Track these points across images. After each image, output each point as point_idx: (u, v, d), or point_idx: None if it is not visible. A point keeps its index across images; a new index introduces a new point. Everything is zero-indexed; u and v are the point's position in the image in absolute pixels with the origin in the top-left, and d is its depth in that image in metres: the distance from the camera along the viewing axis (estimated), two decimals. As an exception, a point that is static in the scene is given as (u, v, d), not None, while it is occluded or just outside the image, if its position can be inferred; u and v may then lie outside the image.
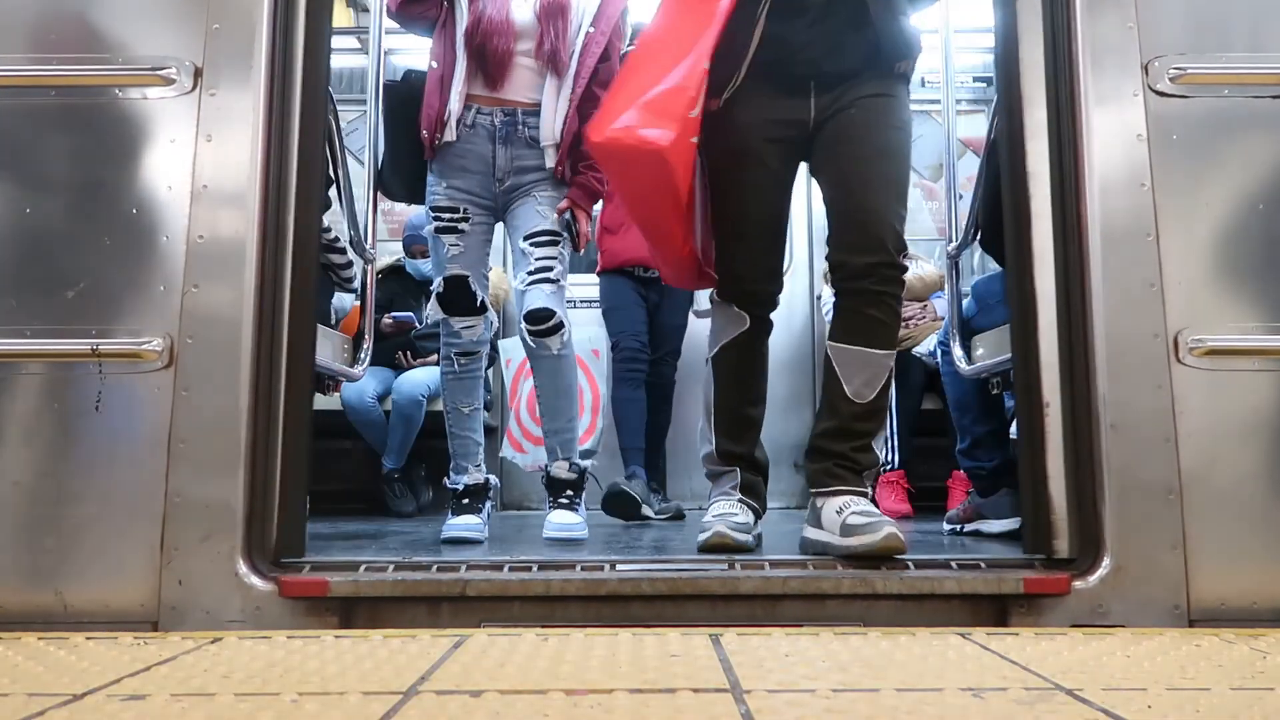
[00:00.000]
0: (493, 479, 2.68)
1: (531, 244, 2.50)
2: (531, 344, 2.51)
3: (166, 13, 1.88)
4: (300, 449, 1.86)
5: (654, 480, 3.55)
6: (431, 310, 2.56)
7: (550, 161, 2.52)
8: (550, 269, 2.50)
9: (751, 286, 2.14)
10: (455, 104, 2.49)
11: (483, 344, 2.60)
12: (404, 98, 2.59)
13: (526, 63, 2.53)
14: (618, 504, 3.10)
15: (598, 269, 3.60)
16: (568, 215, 2.56)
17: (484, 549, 2.29)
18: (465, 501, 2.55)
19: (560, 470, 2.55)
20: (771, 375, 2.26)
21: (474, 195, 2.54)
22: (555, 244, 2.52)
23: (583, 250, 2.70)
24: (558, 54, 2.50)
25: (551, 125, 2.51)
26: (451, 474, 2.62)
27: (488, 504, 2.64)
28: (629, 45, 2.75)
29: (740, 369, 2.18)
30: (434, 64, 2.53)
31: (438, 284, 2.55)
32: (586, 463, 2.64)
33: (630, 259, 3.43)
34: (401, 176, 2.65)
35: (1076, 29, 1.89)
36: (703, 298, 3.55)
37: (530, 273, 2.50)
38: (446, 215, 2.53)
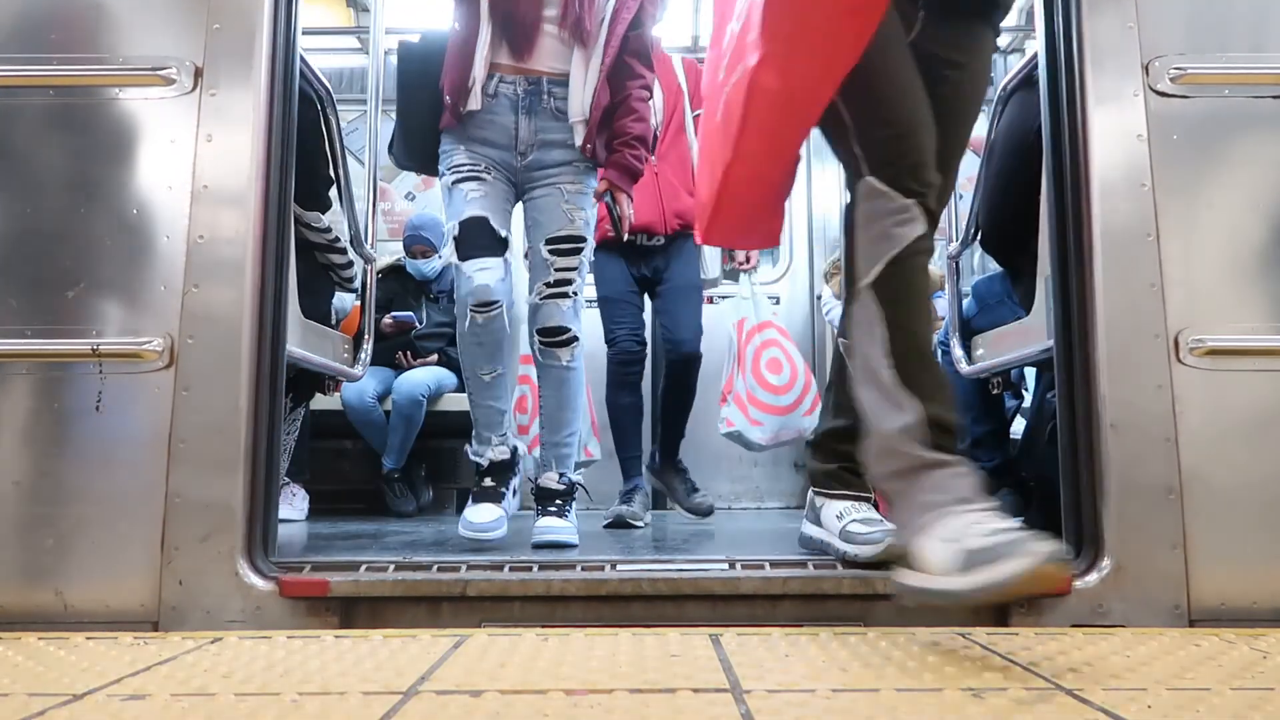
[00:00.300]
0: (520, 447, 2.50)
1: (552, 250, 2.37)
2: (540, 354, 2.43)
3: (166, 12, 1.88)
4: (276, 448, 1.87)
5: (678, 468, 3.34)
6: (447, 255, 2.42)
7: (579, 139, 2.37)
8: (570, 281, 2.37)
9: (922, 156, 1.60)
10: (480, 70, 2.32)
11: (501, 294, 2.32)
12: (422, 58, 2.43)
13: (553, 31, 2.37)
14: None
15: None
16: (607, 198, 2.42)
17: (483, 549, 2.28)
18: (488, 483, 2.38)
19: (549, 481, 2.42)
20: (771, 374, 2.21)
21: (496, 163, 2.39)
22: (578, 251, 2.38)
23: (627, 235, 2.57)
24: (582, 23, 2.34)
25: (580, 99, 2.35)
26: (474, 444, 2.44)
27: (514, 481, 2.46)
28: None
29: (922, 286, 1.61)
30: (456, 25, 2.36)
31: (452, 227, 2.35)
32: (577, 475, 2.53)
33: (633, 226, 3.11)
34: (410, 142, 2.50)
35: (1076, 29, 1.89)
36: (710, 265, 3.43)
37: (549, 284, 2.37)
38: (467, 167, 2.36)
